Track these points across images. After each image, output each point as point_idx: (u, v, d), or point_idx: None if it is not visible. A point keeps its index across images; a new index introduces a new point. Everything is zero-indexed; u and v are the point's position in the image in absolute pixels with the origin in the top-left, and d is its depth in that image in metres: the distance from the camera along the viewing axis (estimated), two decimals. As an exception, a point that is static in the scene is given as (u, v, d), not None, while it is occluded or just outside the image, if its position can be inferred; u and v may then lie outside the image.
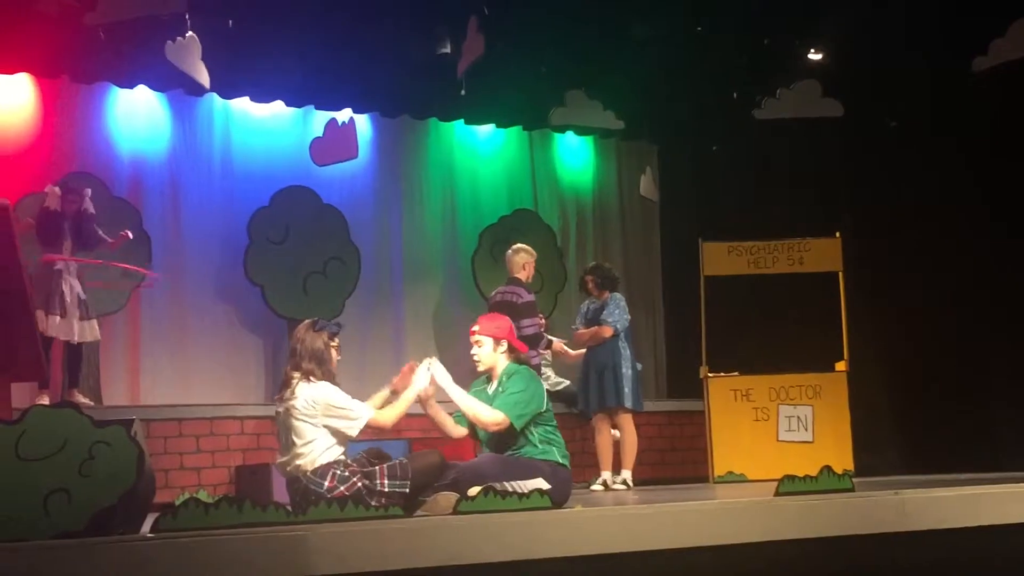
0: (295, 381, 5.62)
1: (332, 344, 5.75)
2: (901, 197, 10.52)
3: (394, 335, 11.38)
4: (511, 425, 5.93)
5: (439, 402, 6.10)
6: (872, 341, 10.17)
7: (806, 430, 9.63)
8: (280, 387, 5.79)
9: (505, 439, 6.04)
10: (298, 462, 5.56)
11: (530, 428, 6.03)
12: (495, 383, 6.16)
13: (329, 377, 5.68)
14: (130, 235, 9.23)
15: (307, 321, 5.84)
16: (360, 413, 5.60)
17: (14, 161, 9.64)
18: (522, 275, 9.26)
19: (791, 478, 5.48)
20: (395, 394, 5.92)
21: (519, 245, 9.51)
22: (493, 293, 9.60)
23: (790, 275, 10.15)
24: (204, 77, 8.85)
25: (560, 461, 6.05)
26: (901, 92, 10.44)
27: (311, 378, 5.62)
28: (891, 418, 10.50)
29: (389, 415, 5.74)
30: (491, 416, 5.94)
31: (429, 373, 5.87)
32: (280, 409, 5.67)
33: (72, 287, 8.82)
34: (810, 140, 10.76)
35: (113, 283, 9.55)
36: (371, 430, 5.71)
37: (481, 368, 6.23)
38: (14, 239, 7.49)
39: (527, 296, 9.11)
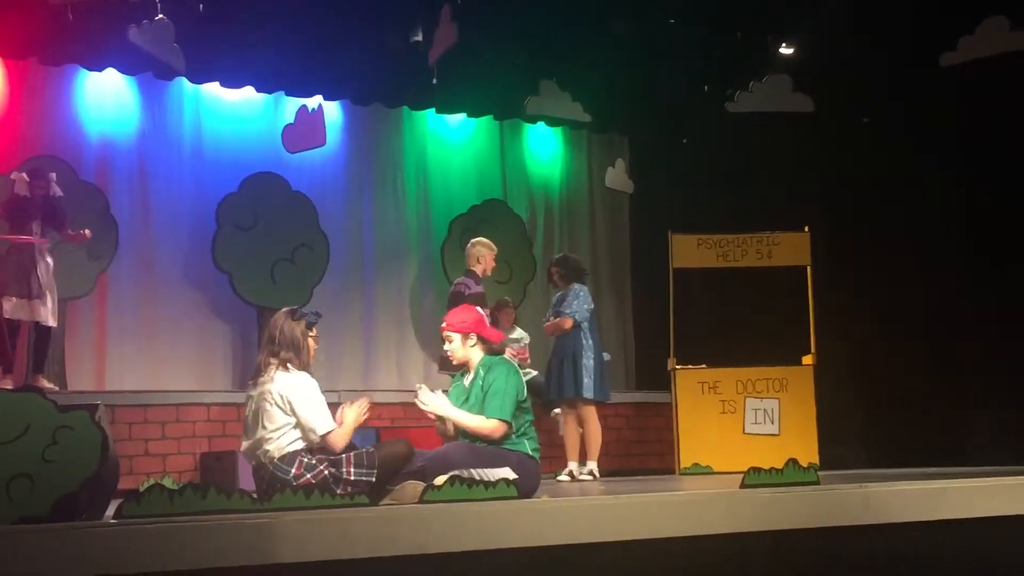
0: (272, 368, 5.60)
1: (310, 334, 5.74)
2: (870, 192, 10.57)
3: (364, 323, 11.35)
4: (510, 425, 5.95)
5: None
6: (839, 335, 10.22)
7: (772, 423, 9.68)
8: (254, 373, 5.76)
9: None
10: (266, 447, 5.55)
11: None
12: (471, 374, 6.16)
13: (305, 366, 5.66)
14: (88, 235, 9.14)
15: (285, 309, 5.82)
16: (320, 427, 5.57)
17: (-21, 143, 9.55)
18: (477, 268, 9.22)
19: (757, 470, 5.49)
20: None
21: (478, 239, 9.48)
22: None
23: (759, 268, 10.19)
24: (178, 61, 8.79)
25: (530, 453, 6.05)
26: (871, 88, 10.48)
27: (288, 366, 5.60)
28: (858, 412, 10.55)
29: (339, 441, 5.68)
30: (491, 425, 5.95)
31: (364, 404, 5.80)
32: (254, 392, 5.65)
33: (43, 271, 8.76)
34: (781, 134, 10.79)
35: (80, 263, 9.47)
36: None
37: (456, 362, 6.25)
38: (-21, 222, 7.46)
39: (475, 287, 9.08)
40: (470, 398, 6.08)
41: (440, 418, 6.09)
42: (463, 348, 6.16)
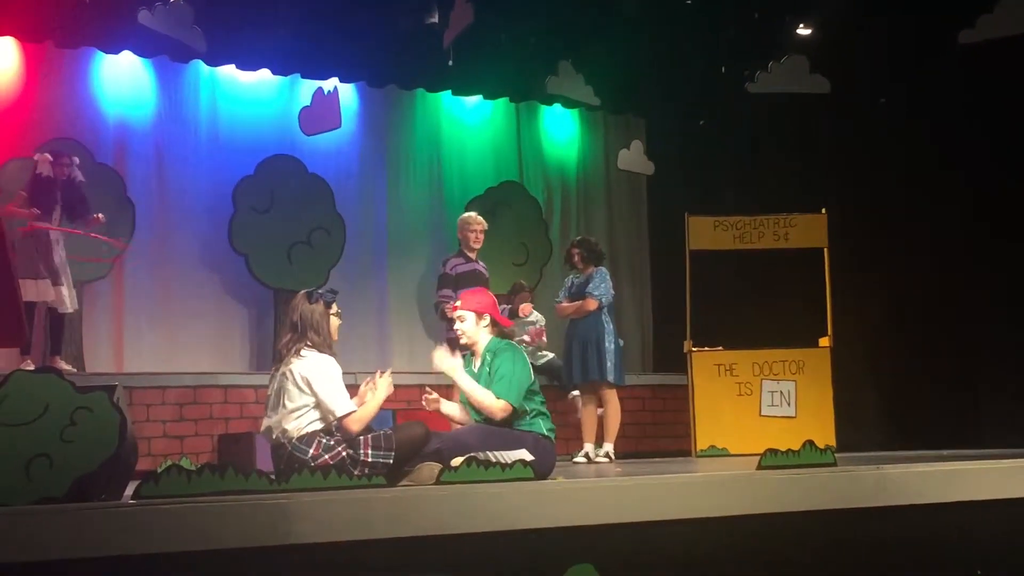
0: (296, 350, 5.62)
1: (331, 312, 5.76)
2: (887, 173, 10.53)
3: (378, 305, 11.37)
4: (515, 409, 5.96)
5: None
6: (856, 317, 10.19)
7: (789, 405, 9.67)
8: (275, 359, 5.79)
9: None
10: (285, 426, 5.57)
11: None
12: (478, 360, 6.17)
13: (329, 347, 5.68)
14: (102, 219, 9.16)
15: (302, 293, 5.83)
16: (338, 409, 5.59)
17: (-3, 125, 9.58)
18: (466, 246, 9.19)
19: (773, 452, 5.49)
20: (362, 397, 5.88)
21: (467, 214, 9.45)
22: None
23: (775, 250, 10.16)
24: (199, 42, 8.80)
25: (545, 433, 6.07)
26: (889, 67, 10.43)
27: (311, 346, 5.62)
28: (874, 394, 10.53)
29: (355, 424, 5.69)
30: (498, 404, 5.96)
31: (389, 381, 5.83)
32: (276, 373, 5.68)
33: (61, 255, 8.79)
34: (798, 115, 10.74)
35: (96, 256, 9.50)
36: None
37: (464, 341, 6.25)
38: (-4, 203, 7.48)
39: (460, 267, 9.05)
40: (479, 383, 6.09)
41: (448, 400, 6.08)
42: (476, 328, 6.17)
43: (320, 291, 5.81)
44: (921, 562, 5.28)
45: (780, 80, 10.37)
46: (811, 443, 5.63)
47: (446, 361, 6.03)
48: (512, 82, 11.53)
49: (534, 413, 6.09)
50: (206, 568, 4.16)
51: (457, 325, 6.24)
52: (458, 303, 6.29)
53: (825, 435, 9.11)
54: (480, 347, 6.19)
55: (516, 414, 6.02)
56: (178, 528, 4.11)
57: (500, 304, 9.24)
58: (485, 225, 9.31)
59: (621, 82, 11.08)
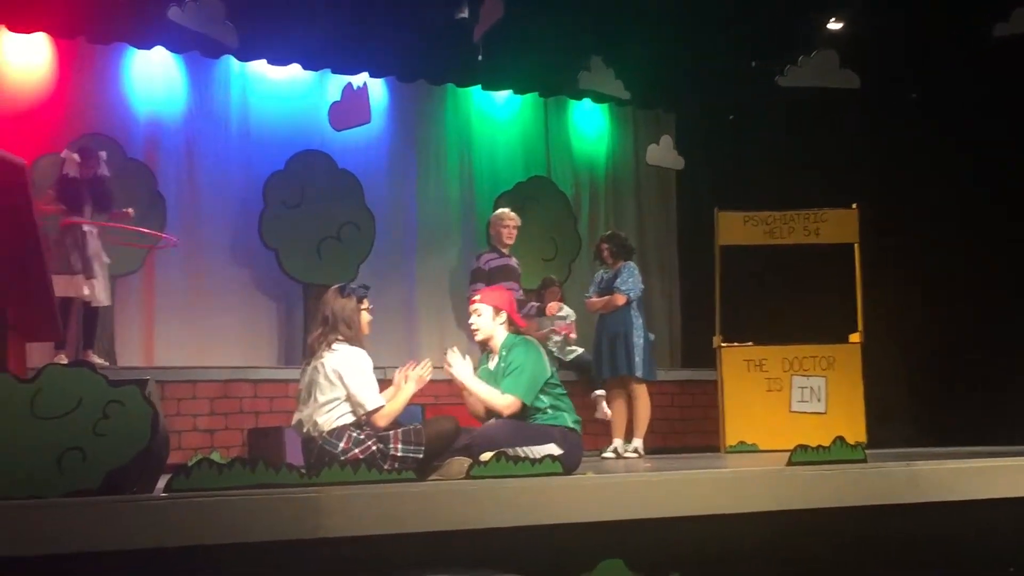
0: (327, 345, 5.64)
1: (363, 307, 5.79)
2: (919, 168, 10.46)
3: (408, 300, 11.39)
4: (524, 404, 5.95)
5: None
6: (887, 313, 10.13)
7: (819, 401, 9.62)
8: (307, 353, 5.82)
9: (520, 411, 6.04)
10: (316, 419, 5.60)
11: (540, 396, 6.03)
12: (495, 358, 6.17)
13: (360, 341, 5.70)
14: (131, 213, 9.21)
15: (333, 288, 5.86)
16: (368, 403, 5.62)
17: (31, 121, 9.65)
18: (498, 242, 9.18)
19: (804, 448, 5.47)
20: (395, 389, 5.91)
21: (500, 210, 9.47)
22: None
23: (806, 245, 10.11)
24: (231, 38, 8.84)
25: (571, 426, 6.06)
26: (920, 60, 10.36)
27: (343, 340, 5.65)
28: (905, 390, 10.47)
29: (383, 419, 5.71)
30: (504, 401, 5.97)
31: (424, 371, 5.84)
32: (307, 366, 5.71)
33: (93, 249, 8.84)
34: (828, 110, 10.69)
35: (131, 242, 9.56)
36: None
37: (479, 337, 6.25)
38: (30, 199, 7.51)
39: (494, 261, 9.05)
40: (495, 381, 6.10)
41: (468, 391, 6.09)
42: (491, 323, 6.17)
43: (352, 286, 5.84)
44: (953, 559, 5.26)
45: (810, 75, 10.31)
46: (841, 439, 5.61)
47: (456, 364, 6.03)
48: (542, 77, 11.52)
49: (556, 407, 6.07)
50: (237, 561, 4.18)
51: (472, 319, 6.25)
52: (477, 297, 6.30)
53: (856, 431, 9.08)
54: (496, 343, 6.19)
55: (527, 409, 6.01)
56: (209, 521, 4.14)
57: (529, 301, 9.26)
58: (518, 221, 9.33)
59: (650, 77, 11.05)
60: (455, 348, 6.14)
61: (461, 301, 11.46)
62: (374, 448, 5.55)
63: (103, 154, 9.13)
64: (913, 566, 5.18)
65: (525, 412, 6.02)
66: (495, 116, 12.14)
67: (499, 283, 8.72)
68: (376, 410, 5.62)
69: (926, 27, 9.95)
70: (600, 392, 9.28)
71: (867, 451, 5.83)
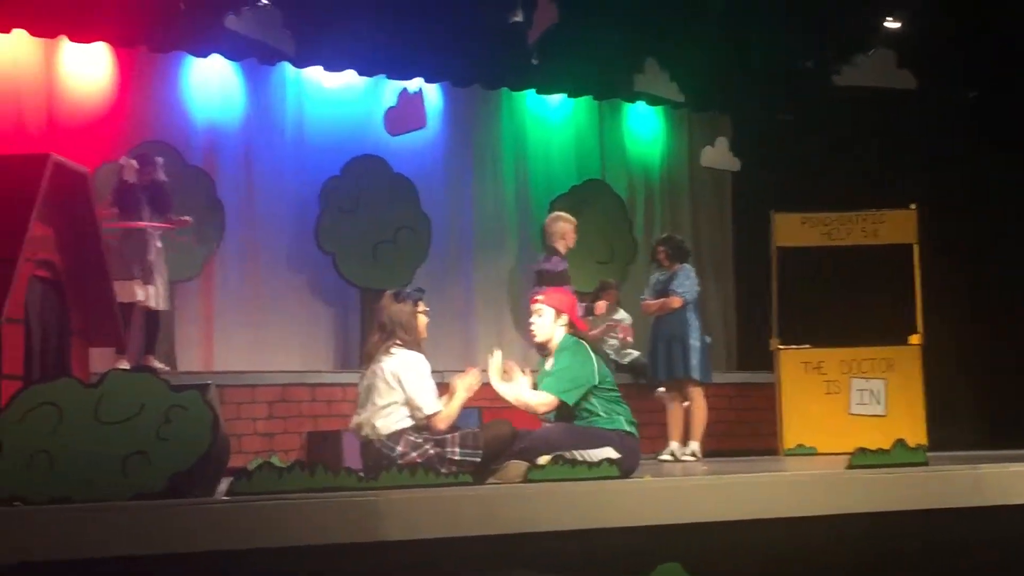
0: (385, 349, 5.68)
1: (419, 310, 5.81)
2: (978, 167, 10.34)
3: (465, 303, 11.41)
4: (562, 402, 5.94)
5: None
6: (947, 314, 10.02)
7: (879, 403, 9.53)
8: (365, 358, 5.86)
9: (567, 413, 6.03)
10: (374, 422, 5.64)
11: (590, 400, 6.01)
12: (551, 360, 6.17)
13: (417, 345, 5.74)
14: (190, 221, 9.31)
15: (389, 292, 5.90)
16: (426, 407, 5.65)
17: (92, 130, 9.76)
18: (560, 244, 9.14)
19: (864, 451, 5.43)
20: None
21: (557, 213, 9.43)
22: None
23: (864, 246, 10.02)
24: (288, 45, 8.92)
25: (628, 429, 6.04)
26: (978, 60, 10.25)
27: (401, 344, 5.69)
28: (967, 392, 10.36)
29: (442, 422, 5.74)
30: (537, 400, 5.98)
31: (472, 380, 5.86)
32: (366, 371, 5.75)
33: (152, 255, 8.93)
34: (886, 109, 10.60)
35: (188, 247, 9.66)
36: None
37: (538, 339, 6.24)
38: (92, 207, 7.63)
39: (560, 265, 9.03)
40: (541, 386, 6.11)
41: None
42: (552, 325, 6.17)
43: (407, 290, 5.87)
44: (1017, 564, 5.19)
45: (866, 74, 10.26)
46: (902, 442, 5.56)
47: (491, 367, 6.02)
48: (596, 80, 11.50)
49: (612, 411, 6.05)
50: (297, 564, 4.22)
51: (533, 319, 6.25)
52: (540, 298, 6.29)
53: (916, 434, 8.95)
54: (554, 345, 6.18)
55: (574, 411, 5.99)
56: (270, 525, 4.18)
57: (582, 303, 9.22)
58: (575, 222, 9.31)
59: (705, 78, 11.01)
60: (497, 352, 6.12)
61: (518, 304, 11.48)
62: (432, 452, 5.57)
63: (160, 160, 9.22)
64: (976, 571, 5.12)
65: (574, 410, 6.00)
66: (549, 120, 12.14)
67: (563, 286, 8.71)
68: (434, 414, 5.65)
69: (984, 26, 9.84)
70: (662, 390, 9.25)
71: (928, 454, 5.78)
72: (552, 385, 5.98)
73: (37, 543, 3.93)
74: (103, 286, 7.68)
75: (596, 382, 6.03)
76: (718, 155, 11.73)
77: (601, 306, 9.52)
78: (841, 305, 10.59)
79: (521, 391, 6.01)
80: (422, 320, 5.85)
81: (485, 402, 8.48)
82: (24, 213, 6.56)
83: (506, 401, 6.08)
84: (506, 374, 6.03)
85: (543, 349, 6.29)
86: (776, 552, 4.95)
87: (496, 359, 6.00)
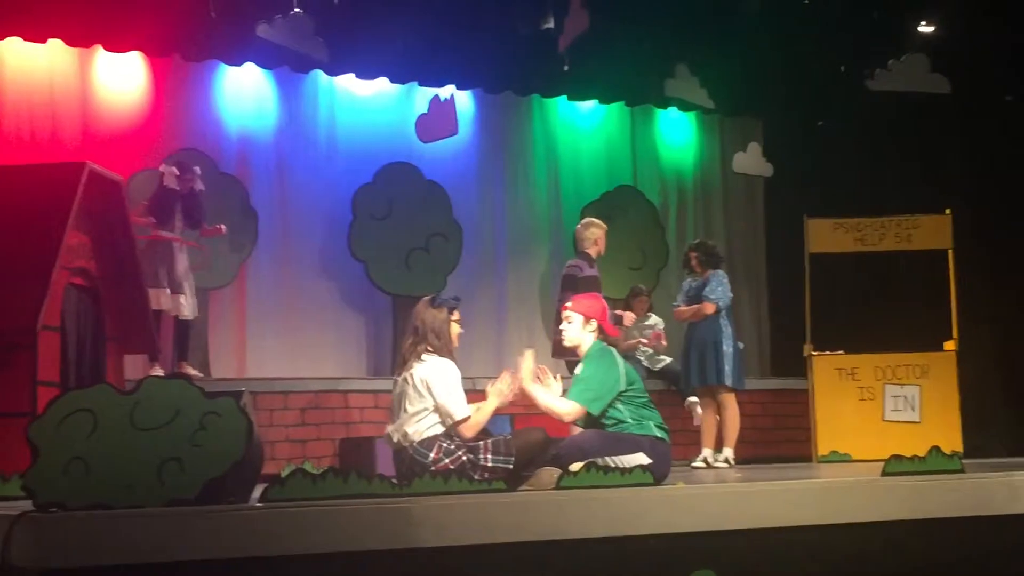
0: (418, 355, 5.71)
1: (453, 319, 5.83)
2: (1013, 172, 10.27)
3: (497, 310, 11.43)
4: (588, 412, 5.94)
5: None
6: (982, 320, 9.96)
7: (913, 410, 9.47)
8: (399, 363, 5.87)
9: (596, 420, 6.03)
10: (407, 429, 5.65)
11: (617, 406, 5.99)
12: (582, 365, 6.17)
13: (450, 352, 5.75)
14: (224, 230, 9.36)
15: (425, 299, 5.92)
16: (456, 413, 5.67)
17: (126, 138, 9.85)
18: (592, 250, 9.11)
19: (898, 458, 5.40)
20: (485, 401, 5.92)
21: (589, 219, 9.41)
22: (565, 266, 9.47)
23: (897, 252, 9.96)
24: (321, 53, 8.97)
25: (658, 435, 6.02)
26: (1014, 63, 10.18)
27: (432, 351, 5.71)
28: (1003, 399, 10.28)
29: (470, 430, 5.75)
30: (564, 408, 5.97)
31: (503, 385, 5.86)
32: (398, 378, 5.77)
33: (182, 263, 8.99)
34: (920, 114, 10.54)
35: (222, 254, 9.72)
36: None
37: (567, 344, 6.25)
38: (126, 215, 7.71)
39: (588, 270, 9.01)
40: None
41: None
42: (581, 332, 6.16)
43: (443, 297, 5.89)
44: (1054, 572, 5.15)
45: (900, 79, 10.21)
46: (937, 449, 5.52)
47: (524, 368, 6.02)
48: (627, 86, 11.51)
49: (641, 416, 6.03)
50: (330, 570, 4.24)
51: (563, 325, 6.25)
52: (569, 304, 6.30)
53: (951, 441, 8.89)
54: (583, 350, 6.18)
55: (591, 418, 5.98)
56: (304, 531, 4.20)
57: (614, 310, 9.19)
58: (606, 228, 9.29)
59: (737, 84, 10.99)
60: (528, 353, 6.12)
61: (550, 311, 11.47)
62: (464, 458, 5.58)
63: (198, 169, 9.29)
64: (1012, 579, 5.09)
65: (603, 417, 5.99)
66: (581, 126, 12.14)
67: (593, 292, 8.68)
68: (463, 420, 5.66)
69: (1019, 28, 9.77)
70: (694, 399, 9.23)
71: (963, 461, 5.73)
72: (577, 394, 5.98)
73: (73, 548, 3.96)
74: (137, 293, 7.76)
75: (622, 388, 6.01)
76: (751, 160, 11.71)
77: (629, 317, 9.50)
78: (875, 311, 10.54)
79: (549, 396, 6.01)
80: (455, 329, 5.86)
81: (517, 409, 8.52)
82: (60, 221, 6.63)
83: (536, 405, 6.09)
84: (538, 379, 6.03)
85: (567, 353, 6.29)
86: (810, 560, 4.93)
87: (528, 359, 6.01)
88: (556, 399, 6.00)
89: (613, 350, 6.24)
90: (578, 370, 6.18)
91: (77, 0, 8.87)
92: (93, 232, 7.22)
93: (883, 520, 5.05)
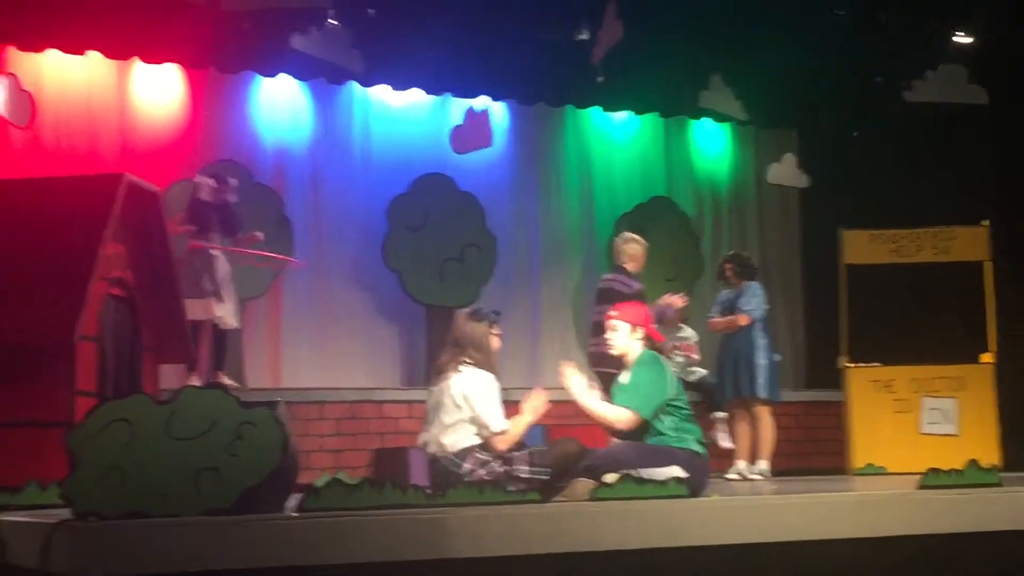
0: (456, 367, 5.73)
1: (493, 332, 5.85)
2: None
3: (531, 321, 11.42)
4: (642, 419, 5.93)
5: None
6: (1020, 332, 9.86)
7: (950, 423, 9.40)
8: (435, 373, 5.89)
9: (637, 430, 6.02)
10: (442, 440, 5.66)
11: (660, 416, 6.00)
12: (627, 373, 6.16)
13: (489, 365, 5.77)
14: (260, 237, 9.42)
15: (465, 311, 5.97)
16: (492, 425, 5.69)
17: (163, 149, 9.93)
18: (630, 265, 9.11)
19: (935, 471, 5.36)
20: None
21: (630, 235, 9.40)
22: (600, 279, 9.47)
23: (934, 264, 9.90)
24: (356, 64, 9.01)
25: (696, 449, 6.01)
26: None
27: (471, 363, 5.72)
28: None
29: (504, 443, 5.75)
30: (618, 416, 5.97)
31: (538, 402, 5.86)
32: (434, 388, 5.78)
33: (222, 273, 9.04)
34: (956, 124, 10.47)
35: (262, 261, 9.77)
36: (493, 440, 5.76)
37: (614, 352, 6.25)
38: (164, 226, 7.76)
39: (635, 285, 9.00)
40: (624, 394, 6.09)
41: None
42: (628, 340, 6.17)
43: (484, 310, 5.92)
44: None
45: (937, 90, 10.15)
46: (975, 462, 5.48)
47: (572, 382, 6.03)
48: (661, 97, 11.48)
49: (681, 429, 6.02)
50: (365, 580, 4.25)
51: (609, 334, 6.26)
52: (614, 313, 6.30)
53: (989, 454, 8.82)
54: (631, 359, 6.18)
55: (649, 429, 5.97)
56: (339, 541, 4.21)
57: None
58: (647, 245, 9.27)
59: (772, 95, 10.95)
60: (572, 365, 6.14)
61: (583, 322, 11.46)
62: (499, 469, 5.59)
63: (233, 181, 9.34)
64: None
65: (646, 432, 5.99)
66: (615, 137, 12.13)
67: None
68: (499, 433, 5.67)
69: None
70: (720, 415, 9.19)
71: (1001, 475, 5.69)
72: (629, 400, 5.97)
73: (111, 557, 3.99)
74: (174, 304, 7.81)
75: (671, 396, 6.02)
76: (785, 171, 11.66)
77: (678, 301, 9.39)
78: (911, 323, 10.47)
79: (603, 406, 6.02)
80: (494, 342, 5.89)
81: (553, 420, 8.52)
82: (98, 232, 6.69)
83: (591, 416, 6.10)
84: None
85: (603, 364, 6.29)
86: (845, 573, 4.90)
87: (572, 374, 6.02)
88: (610, 408, 6.01)
89: (662, 357, 6.26)
90: (623, 378, 6.17)
91: (115, 13, 8.93)
92: (130, 243, 7.27)
93: (919, 534, 5.02)
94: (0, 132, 9.21)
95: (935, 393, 9.46)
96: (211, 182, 9.08)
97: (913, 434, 9.41)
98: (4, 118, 8.98)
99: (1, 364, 6.31)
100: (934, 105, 10.21)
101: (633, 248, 9.10)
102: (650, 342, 6.25)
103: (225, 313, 9.01)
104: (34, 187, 7.48)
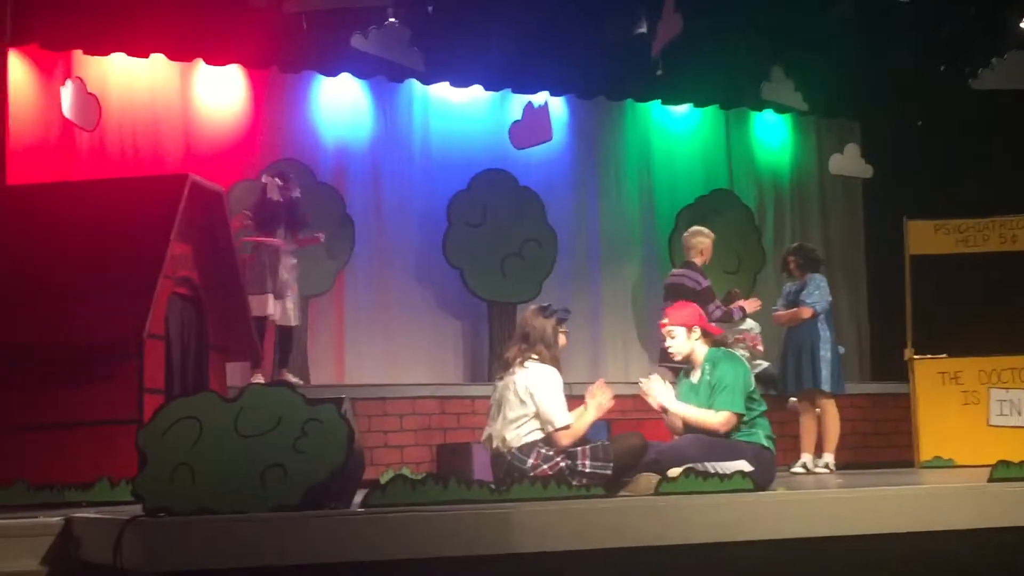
0: (523, 361, 5.74)
1: (561, 329, 5.87)
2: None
3: (592, 315, 11.41)
4: (739, 415, 5.92)
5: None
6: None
7: (1020, 414, 9.26)
8: (502, 366, 5.91)
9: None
10: (506, 435, 5.68)
11: None
12: (698, 372, 6.14)
13: (555, 361, 5.78)
14: (321, 238, 9.48)
15: (534, 307, 5.99)
16: (556, 421, 5.69)
17: (226, 149, 10.04)
18: (699, 259, 9.06)
19: (1006, 464, 5.29)
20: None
21: (697, 228, 9.35)
22: (669, 275, 9.43)
23: (1001, 253, 9.75)
24: (417, 63, 9.06)
25: (764, 443, 5.98)
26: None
27: (537, 358, 5.74)
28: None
29: (567, 439, 5.75)
30: (719, 419, 5.93)
31: (604, 399, 5.85)
32: (499, 383, 5.80)
33: (285, 271, 9.11)
34: (1018, 110, 10.31)
35: (320, 262, 9.85)
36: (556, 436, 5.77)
37: (678, 358, 6.24)
38: (228, 225, 7.84)
39: (704, 282, 8.95)
40: (699, 395, 6.06)
41: (665, 410, 6.10)
42: (687, 342, 6.14)
43: (554, 307, 5.94)
44: None
45: (1004, 77, 10.00)
46: (1046, 455, 5.40)
47: (657, 391, 6.03)
48: (721, 89, 11.43)
49: (752, 423, 6.01)
50: (430, 575, 4.27)
51: (668, 342, 6.24)
52: (665, 321, 6.28)
53: (1061, 446, 8.70)
54: (697, 358, 6.15)
55: (738, 422, 5.96)
56: (404, 536, 4.24)
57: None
58: (713, 236, 9.24)
59: (833, 85, 10.85)
60: (653, 376, 6.14)
61: (644, 316, 11.46)
62: (563, 464, 5.59)
63: (295, 179, 9.41)
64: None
65: (738, 425, 5.97)
66: (675, 130, 12.09)
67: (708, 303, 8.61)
68: (563, 428, 5.68)
69: None
70: (794, 400, 9.13)
71: (1074, 467, 5.59)
72: (728, 402, 5.93)
73: (181, 553, 4.05)
74: (238, 302, 7.89)
75: (752, 387, 6.01)
76: (848, 162, 11.55)
77: (753, 304, 9.33)
78: (978, 314, 10.32)
79: (698, 411, 5.98)
80: (561, 340, 5.90)
81: (616, 414, 8.50)
82: (164, 232, 6.76)
83: (643, 411, 6.09)
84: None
85: (670, 360, 6.27)
86: (914, 567, 4.86)
87: (656, 383, 6.02)
88: (707, 412, 5.96)
89: (732, 351, 6.25)
90: (695, 377, 6.14)
91: (178, 16, 9.05)
92: (196, 242, 7.35)
93: (990, 527, 4.95)
94: (67, 135, 9.37)
95: (1004, 384, 9.32)
96: (278, 181, 9.16)
97: (981, 426, 9.28)
98: (71, 121, 9.11)
99: (71, 363, 6.40)
100: (1000, 93, 10.06)
101: (700, 241, 9.07)
102: (711, 338, 6.22)
103: (287, 310, 9.07)
104: (101, 189, 7.58)
